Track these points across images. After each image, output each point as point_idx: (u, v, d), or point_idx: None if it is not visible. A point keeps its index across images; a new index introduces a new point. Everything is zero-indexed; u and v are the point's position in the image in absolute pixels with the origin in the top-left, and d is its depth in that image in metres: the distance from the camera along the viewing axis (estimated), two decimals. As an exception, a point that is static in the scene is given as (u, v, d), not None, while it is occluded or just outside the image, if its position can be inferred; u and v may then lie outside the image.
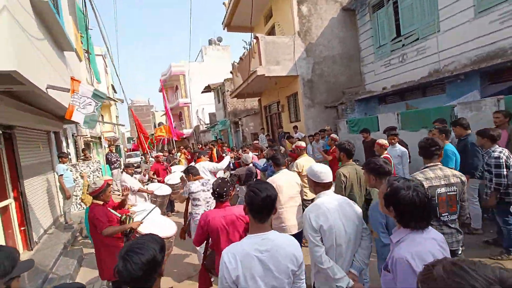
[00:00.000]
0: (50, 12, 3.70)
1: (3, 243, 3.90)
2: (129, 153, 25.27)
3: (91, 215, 2.37)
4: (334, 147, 5.44)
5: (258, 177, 4.77)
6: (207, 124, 22.43)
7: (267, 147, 8.57)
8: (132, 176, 4.87)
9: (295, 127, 8.40)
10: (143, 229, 2.69)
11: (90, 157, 8.24)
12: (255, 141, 7.96)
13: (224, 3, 11.54)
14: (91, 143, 14.06)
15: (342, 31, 8.84)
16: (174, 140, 10.56)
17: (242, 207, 2.29)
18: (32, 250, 4.38)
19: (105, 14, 7.52)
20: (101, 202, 2.54)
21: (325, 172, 1.84)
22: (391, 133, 4.50)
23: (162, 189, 5.40)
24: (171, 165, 7.42)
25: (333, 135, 5.60)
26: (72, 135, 10.06)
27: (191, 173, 3.49)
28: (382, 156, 3.87)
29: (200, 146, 9.34)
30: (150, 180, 6.51)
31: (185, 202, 3.51)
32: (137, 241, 1.02)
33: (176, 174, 6.43)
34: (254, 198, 1.34)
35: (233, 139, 16.27)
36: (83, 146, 9.58)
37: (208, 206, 3.34)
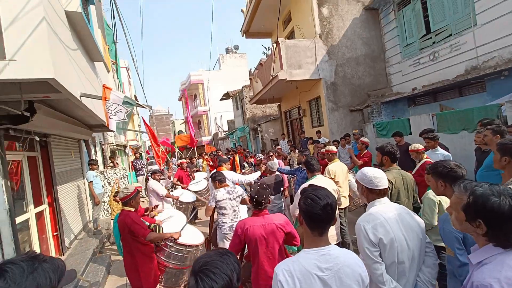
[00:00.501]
0: (83, 23, 3.84)
1: (38, 248, 4.00)
2: (150, 160, 26.02)
3: (128, 221, 2.30)
4: (366, 151, 5.16)
5: (286, 185, 4.57)
6: (226, 131, 22.62)
7: (288, 153, 8.38)
8: (159, 182, 4.87)
9: (318, 132, 8.14)
10: (181, 239, 2.61)
11: (118, 164, 8.47)
12: (278, 147, 7.78)
13: (242, 10, 11.68)
14: (116, 151, 14.60)
15: (365, 31, 8.55)
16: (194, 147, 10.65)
17: (281, 216, 2.13)
18: (64, 255, 4.47)
19: (127, 26, 7.81)
20: (133, 209, 2.48)
21: (380, 177, 1.64)
22: (429, 136, 4.11)
23: (186, 196, 5.36)
24: (194, 172, 7.42)
25: (364, 139, 5.29)
26: (100, 143, 10.47)
27: (217, 180, 3.38)
28: (423, 161, 3.56)
29: (220, 152, 9.26)
30: (174, 186, 6.53)
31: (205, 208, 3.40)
32: (215, 261, 0.87)
33: (199, 181, 6.40)
34: (313, 207, 1.17)
35: (252, 146, 16.20)
36: (109, 154, 9.91)
37: (235, 215, 3.20)
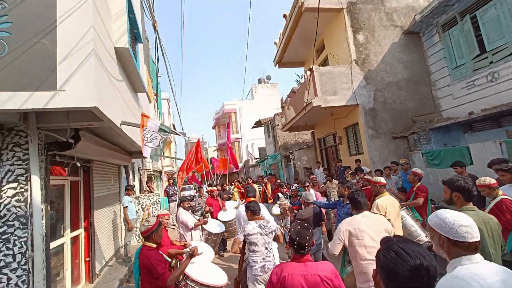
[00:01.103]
0: (129, 58, 4.15)
1: (69, 273, 3.97)
2: (183, 186, 26.77)
3: (147, 261, 2.09)
4: (420, 184, 4.46)
5: (325, 219, 4.07)
6: (257, 158, 22.55)
7: (324, 183, 7.77)
8: (188, 211, 4.71)
9: (358, 161, 7.49)
10: (196, 275, 2.30)
11: (153, 189, 8.68)
12: (312, 176, 7.28)
13: (275, 42, 12.12)
14: (153, 176, 15.25)
15: (405, 55, 8.10)
16: (226, 174, 10.62)
17: (329, 266, 1.73)
18: (93, 283, 4.39)
19: (169, 61, 8.49)
20: (154, 245, 2.25)
21: (468, 225, 1.20)
22: (502, 167, 3.35)
23: (215, 226, 5.09)
24: (226, 200, 7.21)
25: (417, 170, 4.59)
26: (138, 169, 11.01)
27: (250, 210, 3.07)
28: (499, 199, 2.86)
29: (251, 180, 8.94)
30: (203, 215, 6.34)
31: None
32: None
33: (229, 210, 6.13)
34: (397, 264, 0.83)
35: (284, 174, 15.69)
36: (146, 179, 10.29)
37: (267, 253, 2.80)
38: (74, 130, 3.49)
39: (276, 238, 2.98)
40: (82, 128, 3.59)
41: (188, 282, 2.25)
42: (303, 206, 4.59)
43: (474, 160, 5.41)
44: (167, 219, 3.79)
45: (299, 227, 1.74)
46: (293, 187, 5.29)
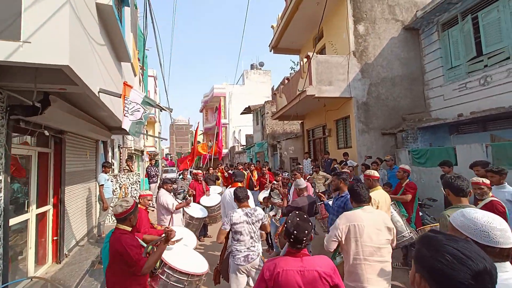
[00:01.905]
0: (113, 19, 3.67)
1: (33, 253, 3.63)
2: (166, 168, 26.12)
3: (118, 246, 1.82)
4: (408, 181, 4.44)
5: (324, 213, 3.94)
6: (243, 145, 22.32)
7: (310, 174, 7.72)
8: (170, 193, 4.43)
9: (346, 154, 7.47)
10: (174, 262, 2.09)
11: (134, 169, 8.25)
12: (300, 166, 7.17)
13: (272, 26, 11.64)
14: (134, 156, 14.64)
15: (403, 52, 8.01)
16: (211, 159, 10.33)
17: (327, 260, 1.56)
18: (60, 263, 4.07)
19: (159, 34, 7.88)
20: (129, 228, 1.99)
21: (503, 229, 1.04)
22: (493, 169, 3.33)
23: (197, 211, 4.87)
24: (214, 184, 6.98)
25: (405, 166, 4.56)
26: (118, 146, 10.44)
27: (236, 197, 2.86)
28: (488, 201, 2.84)
29: (241, 166, 8.72)
30: (186, 197, 6.09)
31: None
32: None
33: (213, 195, 5.93)
34: (457, 271, 0.65)
35: (270, 163, 15.62)
36: (126, 158, 9.78)
37: (252, 243, 2.64)
38: (43, 93, 3.05)
39: (263, 227, 2.81)
40: (53, 93, 3.15)
41: (166, 270, 2.03)
42: (290, 196, 4.46)
43: (459, 161, 5.50)
44: (149, 200, 3.52)
45: (297, 219, 1.54)
46: (285, 175, 5.11)
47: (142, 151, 17.92)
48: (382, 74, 7.85)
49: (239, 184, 3.78)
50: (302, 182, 3.80)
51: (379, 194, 3.15)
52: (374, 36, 7.89)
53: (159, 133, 28.34)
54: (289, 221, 1.56)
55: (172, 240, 3.01)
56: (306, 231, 1.49)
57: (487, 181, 2.93)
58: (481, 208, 2.89)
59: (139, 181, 6.99)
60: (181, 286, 2.04)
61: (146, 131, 18.29)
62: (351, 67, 7.63)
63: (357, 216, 2.06)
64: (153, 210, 7.44)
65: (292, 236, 1.48)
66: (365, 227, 1.99)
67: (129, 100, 3.24)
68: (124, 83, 3.35)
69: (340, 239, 2.03)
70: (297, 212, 1.61)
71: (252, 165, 7.71)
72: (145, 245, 2.17)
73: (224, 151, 26.26)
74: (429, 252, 0.71)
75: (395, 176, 4.85)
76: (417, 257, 0.76)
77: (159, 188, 4.57)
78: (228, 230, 2.72)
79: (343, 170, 5.40)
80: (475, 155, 5.22)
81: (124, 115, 3.18)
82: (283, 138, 14.03)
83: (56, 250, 4.07)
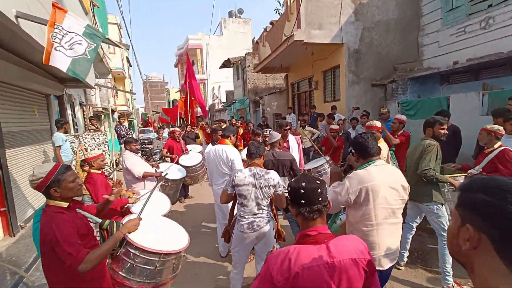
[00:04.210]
0: None
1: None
2: (142, 128, 24.75)
3: (48, 233, 1.27)
4: (403, 131, 4.14)
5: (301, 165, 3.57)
6: (224, 102, 21.24)
7: (294, 129, 7.30)
8: (137, 153, 3.80)
9: (334, 108, 7.03)
10: (139, 239, 1.61)
11: (98, 127, 7.31)
12: (288, 121, 6.65)
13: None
14: (102, 115, 13.30)
15: (401, -10, 7.12)
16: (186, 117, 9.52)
17: (356, 240, 0.93)
18: (14, 236, 3.51)
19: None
20: (64, 204, 1.42)
21: None
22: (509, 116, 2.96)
23: (173, 172, 4.35)
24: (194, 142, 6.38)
25: (401, 116, 4.23)
26: (80, 104, 9.17)
27: (249, 152, 2.30)
28: (500, 150, 2.57)
29: (230, 120, 7.99)
30: (163, 159, 5.51)
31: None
32: None
33: (193, 154, 5.39)
34: None
35: (252, 120, 15.04)
36: (89, 116, 8.68)
37: (260, 209, 2.16)
38: None
39: (277, 200, 2.23)
40: None
41: (130, 250, 1.56)
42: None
43: (452, 111, 5.27)
44: (102, 161, 2.89)
45: (305, 181, 1.07)
46: (267, 132, 4.59)
47: (113, 111, 16.39)
48: (377, 16, 7.04)
49: (227, 141, 3.22)
50: (276, 135, 3.28)
51: (384, 147, 2.78)
52: (371, -31, 6.83)
53: (130, 90, 26.00)
54: (292, 181, 1.11)
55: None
56: (318, 182, 1.05)
57: (502, 130, 2.63)
58: (492, 158, 2.65)
59: (107, 142, 6.19)
60: (152, 267, 1.59)
61: (115, 87, 16.43)
62: (344, 8, 6.70)
63: (370, 175, 1.62)
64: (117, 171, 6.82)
65: (301, 191, 1.02)
66: (380, 187, 1.58)
67: (63, 28, 2.34)
68: (53, 4, 2.39)
69: (349, 204, 1.62)
70: (302, 173, 1.12)
71: (238, 122, 6.98)
72: (98, 220, 1.63)
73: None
74: (491, 196, 0.58)
75: (390, 128, 4.53)
76: (475, 205, 0.61)
77: (125, 149, 3.90)
78: (230, 192, 2.24)
79: (331, 127, 4.99)
80: (469, 105, 5.00)
81: (55, 49, 2.32)
82: (265, 93, 13.24)
83: (6, 222, 3.46)
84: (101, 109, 11.98)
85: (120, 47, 3.10)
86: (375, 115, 7.23)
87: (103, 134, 6.18)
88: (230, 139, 3.16)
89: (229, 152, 3.02)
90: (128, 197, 2.95)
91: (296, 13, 6.56)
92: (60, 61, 2.28)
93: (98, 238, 1.64)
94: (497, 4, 5.49)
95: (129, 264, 1.58)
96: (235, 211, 2.36)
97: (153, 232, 1.83)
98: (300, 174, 1.13)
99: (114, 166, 6.36)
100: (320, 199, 1.03)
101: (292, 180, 1.12)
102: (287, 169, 3.06)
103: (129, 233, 1.59)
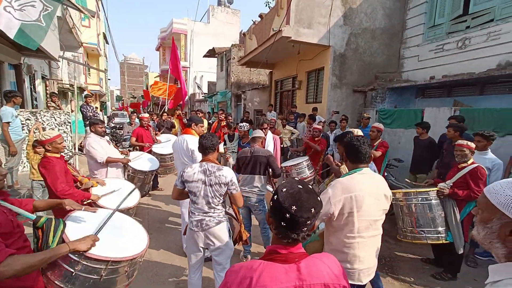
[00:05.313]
0: None
1: None
2: (115, 111, 23.26)
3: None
4: (381, 140, 4.18)
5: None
6: (205, 93, 20.61)
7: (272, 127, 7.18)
8: (103, 137, 3.42)
9: (315, 109, 7.03)
10: (94, 249, 1.36)
11: (60, 105, 6.62)
12: (271, 118, 6.52)
13: None
14: (69, 93, 12.20)
15: (389, 1, 7.25)
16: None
17: (333, 260, 0.75)
18: None
19: None
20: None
21: None
22: (484, 133, 3.02)
23: (143, 162, 4.02)
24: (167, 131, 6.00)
25: (378, 124, 4.26)
26: (43, 78, 8.27)
27: (201, 146, 2.08)
28: (472, 167, 2.62)
29: (202, 114, 7.51)
30: (134, 148, 5.10)
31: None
32: None
33: (167, 144, 5.06)
34: None
35: (232, 114, 14.74)
36: (53, 91, 7.86)
37: (211, 208, 1.99)
38: None
39: (232, 199, 2.08)
40: None
41: (71, 255, 1.29)
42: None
43: (425, 124, 5.48)
44: (60, 143, 2.52)
45: (299, 186, 0.88)
46: (243, 127, 4.39)
47: (82, 89, 15.13)
48: (365, 23, 7.11)
49: (192, 131, 2.99)
50: (259, 132, 3.14)
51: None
52: (364, -26, 6.85)
53: (105, 69, 24.21)
54: (283, 189, 0.89)
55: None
56: (313, 210, 0.85)
57: (473, 145, 2.69)
58: (464, 174, 2.71)
59: (70, 122, 5.60)
60: (96, 277, 1.34)
61: (88, 63, 15.08)
62: (334, 10, 6.67)
63: (356, 184, 1.51)
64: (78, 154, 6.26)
65: (287, 216, 0.83)
66: (364, 198, 1.48)
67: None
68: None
69: (332, 216, 1.50)
70: (296, 179, 0.94)
71: (223, 114, 6.53)
72: (29, 216, 1.34)
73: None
74: None
75: (368, 136, 4.56)
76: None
77: (90, 133, 3.49)
78: (180, 188, 2.05)
79: (315, 126, 4.94)
80: (442, 119, 5.21)
81: (4, 9, 1.92)
82: (248, 88, 13.00)
83: None
84: (68, 85, 10.96)
85: (82, 12, 2.71)
86: (354, 120, 7.37)
87: (65, 114, 5.59)
88: (195, 128, 2.95)
89: (190, 142, 2.82)
90: (92, 186, 2.63)
91: (286, 8, 6.40)
92: (7, 25, 1.89)
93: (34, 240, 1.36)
94: (474, 26, 5.77)
95: (68, 272, 1.32)
96: None
97: (105, 233, 1.57)
98: (298, 186, 0.85)
99: (76, 150, 5.79)
100: (306, 228, 0.86)
101: (284, 190, 0.88)
102: (263, 167, 2.91)
103: (77, 251, 1.31)
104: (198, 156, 2.78)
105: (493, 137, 2.91)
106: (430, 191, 2.63)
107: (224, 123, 6.05)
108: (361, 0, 6.97)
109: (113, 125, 13.71)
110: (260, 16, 8.48)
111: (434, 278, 2.81)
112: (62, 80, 9.54)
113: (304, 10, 6.39)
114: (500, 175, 2.91)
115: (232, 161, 4.80)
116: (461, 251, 2.58)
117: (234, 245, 2.16)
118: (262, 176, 2.93)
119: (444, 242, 2.58)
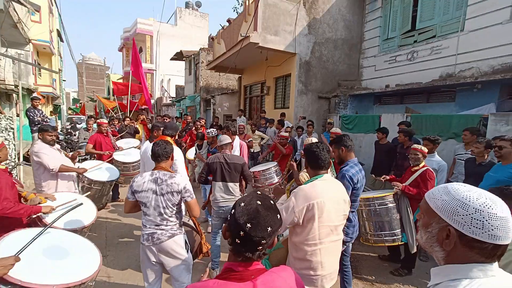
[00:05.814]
0: None
1: None
2: (71, 116, 21.33)
3: None
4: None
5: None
6: (172, 97, 19.93)
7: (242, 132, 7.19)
8: (52, 146, 3.09)
9: (283, 115, 7.20)
10: (19, 272, 1.19)
11: (3, 111, 5.85)
12: (241, 123, 6.48)
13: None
14: (14, 95, 10.86)
15: (349, 13, 7.78)
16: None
17: (289, 272, 0.77)
18: None
19: None
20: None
21: (504, 218, 0.64)
22: (430, 137, 3.35)
23: (102, 171, 3.72)
24: (120, 137, 5.62)
25: (336, 130, 4.49)
26: (-20, 77, 7.24)
27: (153, 154, 1.97)
28: (423, 170, 2.88)
29: (169, 119, 7.14)
30: (91, 156, 4.68)
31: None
32: None
33: (131, 150, 4.77)
34: None
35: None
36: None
37: (163, 220, 1.88)
38: None
39: (187, 207, 1.96)
40: None
41: (2, 286, 1.12)
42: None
43: (382, 129, 5.94)
44: (3, 152, 2.21)
45: (258, 202, 0.85)
46: (211, 132, 4.31)
47: (31, 91, 13.58)
48: (328, 33, 7.52)
49: (168, 139, 2.85)
50: (225, 138, 3.11)
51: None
52: (325, -12, 7.27)
53: (59, 70, 22.09)
54: (241, 204, 0.85)
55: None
56: (269, 229, 0.82)
57: (425, 149, 2.97)
58: (416, 177, 2.97)
59: (12, 128, 4.97)
60: None
61: (36, 61, 13.61)
62: (299, 19, 6.95)
63: (317, 191, 1.56)
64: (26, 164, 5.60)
65: (241, 233, 0.80)
66: (325, 204, 1.53)
67: None
68: None
69: (297, 223, 1.51)
70: (258, 192, 0.91)
71: (201, 120, 6.11)
72: None
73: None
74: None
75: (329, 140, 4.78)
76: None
77: (37, 141, 3.12)
78: (131, 200, 1.91)
79: (281, 134, 5.05)
80: (396, 124, 5.69)
81: None
82: (217, 93, 12.88)
83: None
84: (12, 86, 9.74)
85: (24, 5, 2.42)
86: (319, 125, 7.71)
87: (7, 118, 4.95)
88: (174, 138, 2.83)
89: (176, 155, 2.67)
90: (39, 203, 2.33)
91: (253, 14, 6.50)
92: None
93: None
94: (420, 41, 6.45)
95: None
96: None
97: (48, 256, 1.39)
98: (256, 201, 0.85)
99: (21, 160, 5.14)
100: (261, 247, 0.83)
101: (242, 205, 0.84)
102: (239, 174, 2.88)
103: None
104: (180, 166, 2.66)
105: (438, 141, 3.25)
106: (386, 195, 2.82)
107: (194, 128, 5.88)
108: (324, 11, 7.37)
109: (67, 130, 12.52)
110: (228, 21, 8.50)
111: (393, 275, 3.01)
112: (4, 81, 8.46)
113: (271, 18, 6.56)
114: (445, 175, 3.25)
115: (198, 169, 4.68)
116: (414, 251, 2.80)
117: (195, 258, 2.08)
118: (238, 183, 2.91)
119: (400, 243, 2.79)
